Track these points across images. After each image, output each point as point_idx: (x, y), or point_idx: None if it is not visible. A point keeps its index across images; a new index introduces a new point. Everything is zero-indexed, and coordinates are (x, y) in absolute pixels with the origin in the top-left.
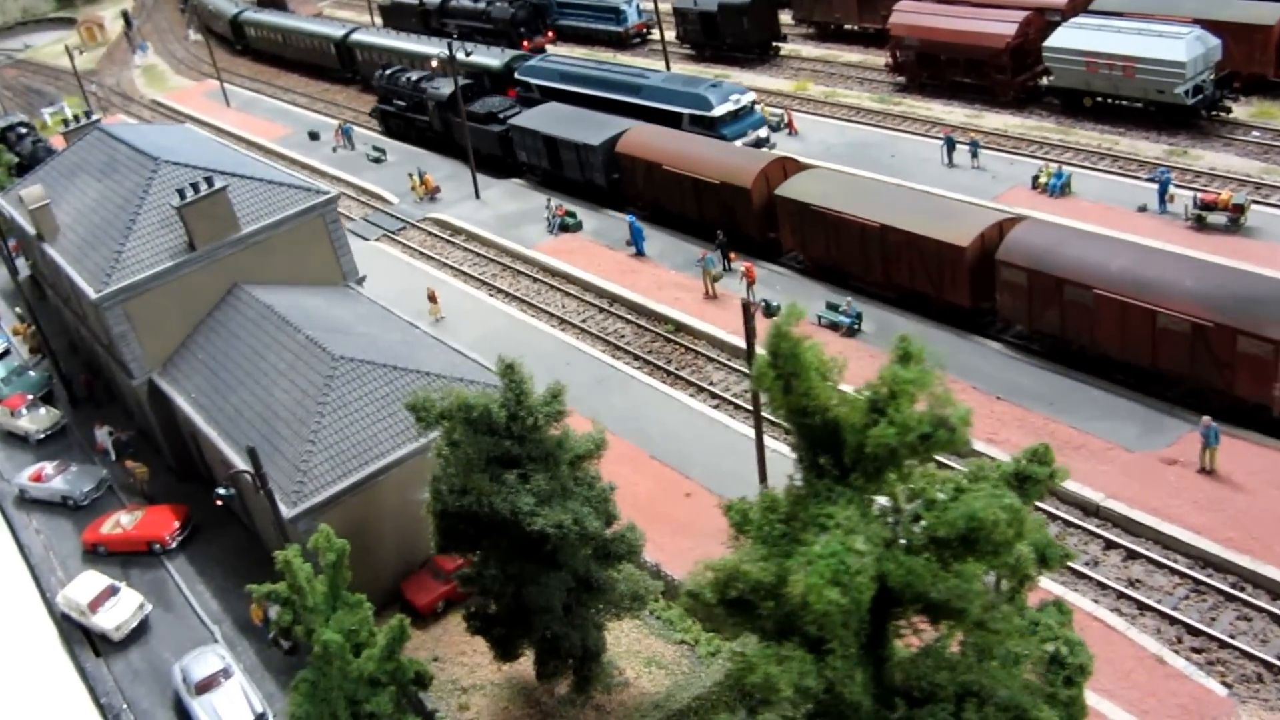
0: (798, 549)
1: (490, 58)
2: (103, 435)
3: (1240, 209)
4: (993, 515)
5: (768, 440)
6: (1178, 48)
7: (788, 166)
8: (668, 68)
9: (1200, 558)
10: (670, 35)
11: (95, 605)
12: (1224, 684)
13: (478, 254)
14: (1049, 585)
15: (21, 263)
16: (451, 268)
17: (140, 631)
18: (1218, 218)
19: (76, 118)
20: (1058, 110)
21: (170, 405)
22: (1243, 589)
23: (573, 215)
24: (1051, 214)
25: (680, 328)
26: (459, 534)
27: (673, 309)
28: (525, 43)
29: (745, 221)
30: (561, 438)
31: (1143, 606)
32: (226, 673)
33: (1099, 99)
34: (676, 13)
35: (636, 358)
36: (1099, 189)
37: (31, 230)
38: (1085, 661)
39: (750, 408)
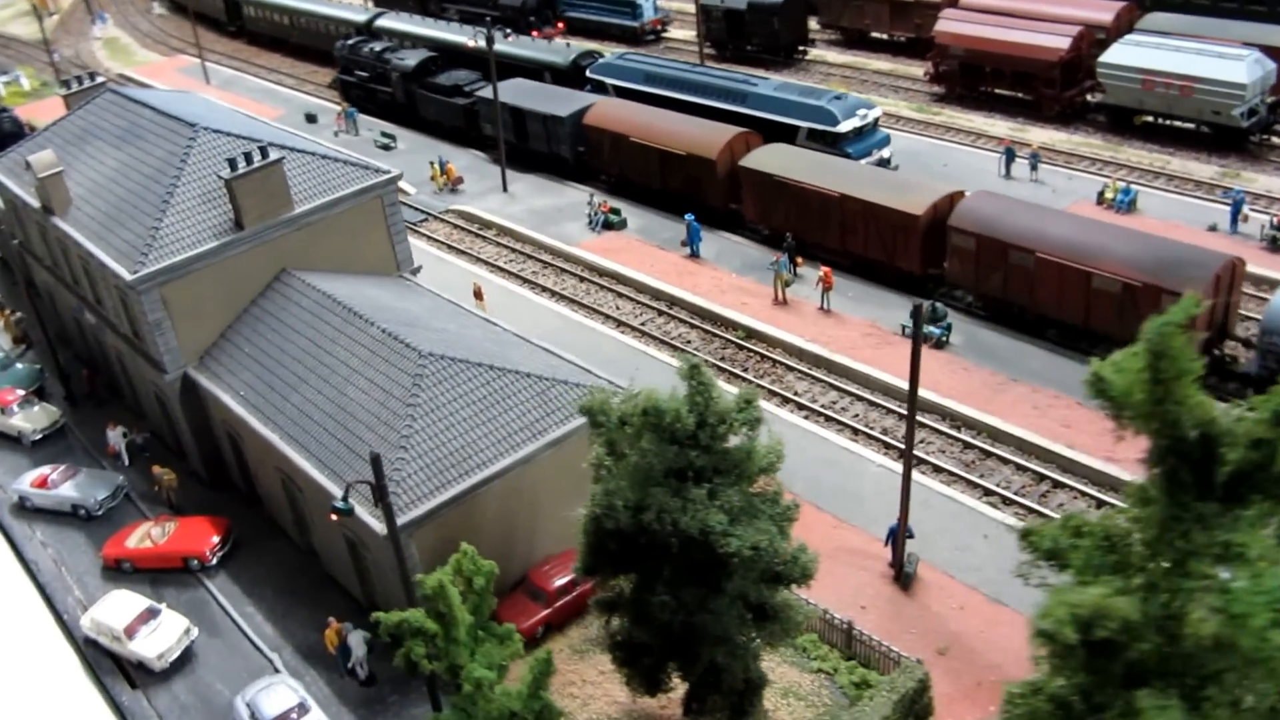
0: (1190, 584)
1: (553, 54)
2: (115, 437)
3: None
4: None
5: (863, 453)
6: (1239, 69)
7: (750, 140)
8: (701, 62)
9: None
10: (690, 34)
11: (132, 630)
12: None
13: (514, 250)
14: None
15: None
16: (487, 263)
17: (184, 660)
18: None
19: (67, 83)
20: (1104, 127)
21: (206, 404)
22: None
23: (617, 212)
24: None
25: (751, 334)
26: (608, 554)
27: (741, 314)
28: (534, 32)
29: (709, 192)
30: (750, 448)
31: None
32: (304, 708)
33: (1150, 118)
34: (701, 9)
35: (709, 364)
36: (1163, 207)
37: (35, 202)
38: None
39: (840, 419)
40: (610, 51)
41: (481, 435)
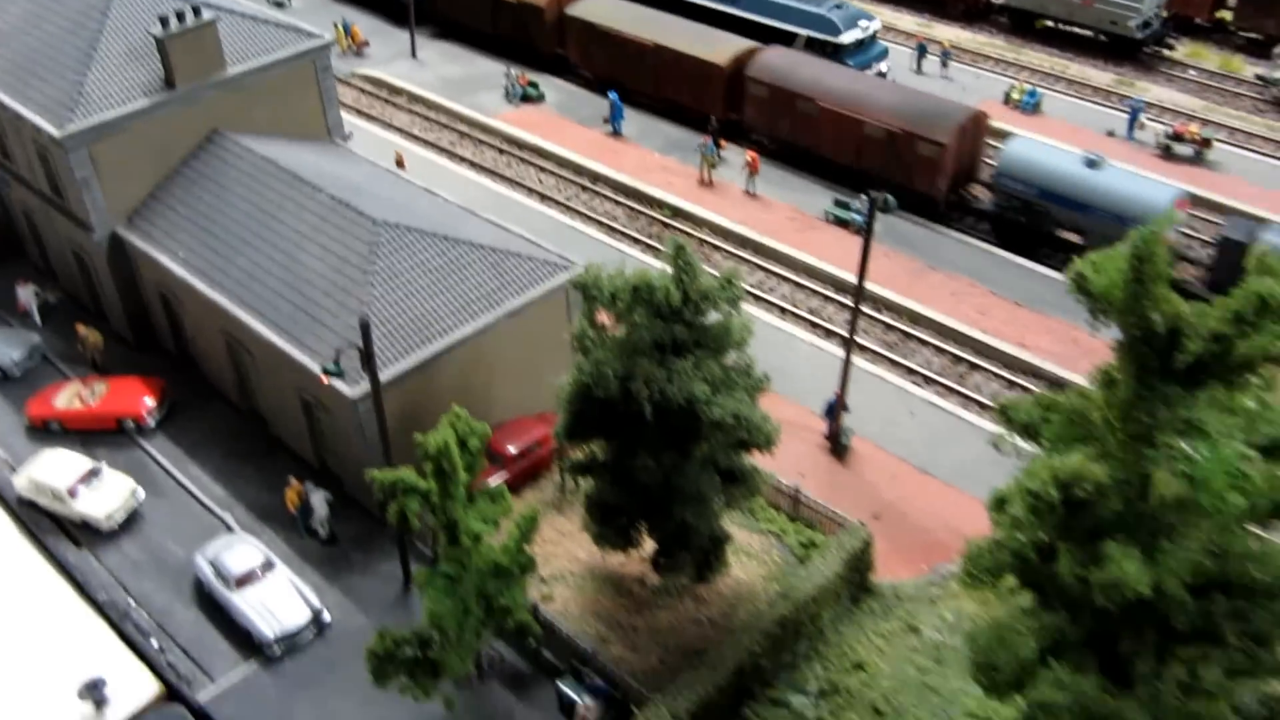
0: (1154, 452)
1: None
2: (27, 295)
3: (1207, 142)
4: None
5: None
6: None
7: None
8: None
9: None
10: None
11: (74, 490)
12: None
13: (428, 119)
14: None
15: None
16: (401, 130)
17: (131, 521)
18: (1184, 148)
19: None
20: (1006, 29)
21: (135, 265)
22: None
23: (535, 85)
24: (1025, 130)
25: (678, 212)
26: (589, 421)
27: (667, 193)
28: None
29: (537, 38)
30: (728, 324)
31: None
32: (269, 564)
33: (1050, 22)
34: None
35: (637, 241)
36: (1066, 110)
37: None
38: None
39: (769, 299)
40: None
41: (441, 304)
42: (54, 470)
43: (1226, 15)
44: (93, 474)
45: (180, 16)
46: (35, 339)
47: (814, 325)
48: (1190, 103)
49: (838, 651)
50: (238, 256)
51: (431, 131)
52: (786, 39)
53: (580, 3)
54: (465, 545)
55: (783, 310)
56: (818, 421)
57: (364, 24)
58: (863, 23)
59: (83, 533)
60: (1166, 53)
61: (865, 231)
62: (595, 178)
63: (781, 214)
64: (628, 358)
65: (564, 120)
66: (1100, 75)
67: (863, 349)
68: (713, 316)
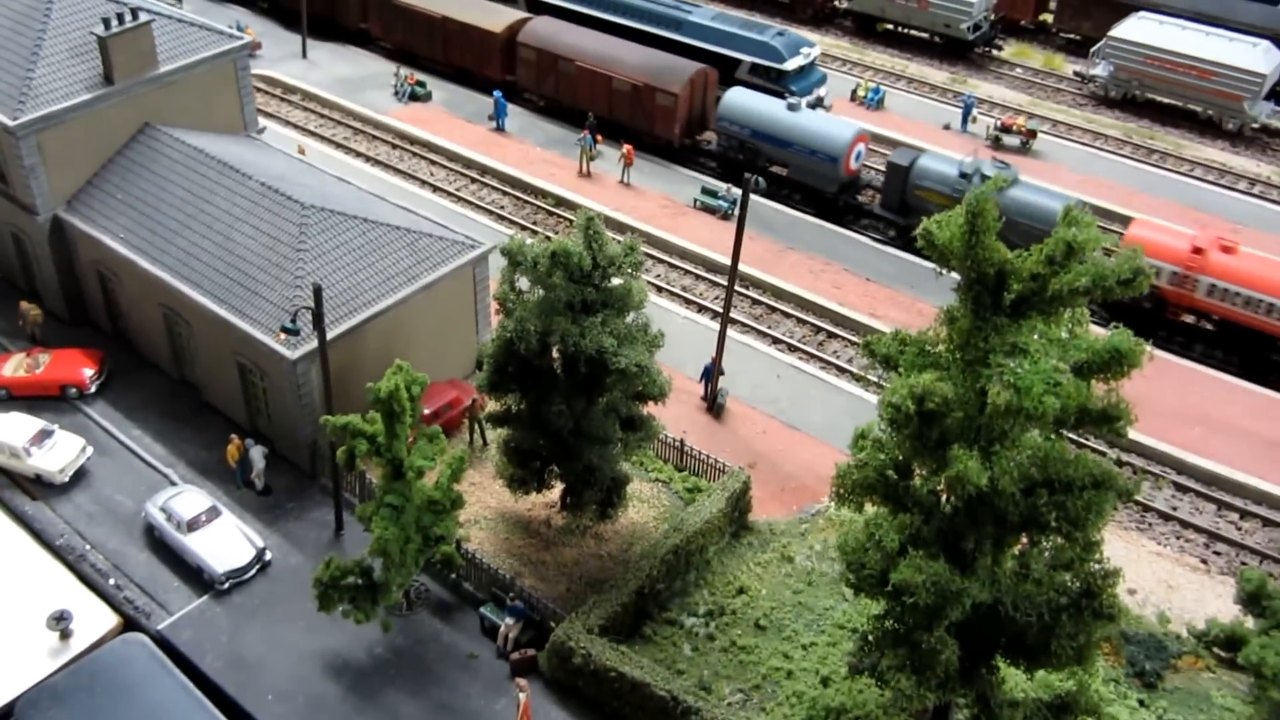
0: (988, 371)
1: None
2: None
3: (1032, 134)
4: (1128, 345)
5: (669, 306)
6: None
7: None
8: None
9: None
10: None
11: (29, 448)
12: None
13: (322, 115)
14: None
15: None
16: (296, 126)
17: (80, 476)
18: (1012, 139)
19: None
20: (851, 31)
21: (73, 245)
22: None
23: (423, 85)
24: (870, 124)
25: (560, 201)
26: (508, 375)
27: (550, 184)
28: None
29: (343, 14)
30: (629, 287)
31: None
32: (215, 510)
33: (890, 25)
34: None
35: (524, 228)
36: (906, 106)
37: None
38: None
39: (645, 278)
40: None
41: (364, 279)
42: (9, 430)
43: (1048, 18)
44: (45, 434)
45: (120, 18)
46: None
47: (687, 301)
48: (1017, 98)
49: (723, 579)
50: (176, 238)
51: (327, 128)
52: (732, 65)
53: None
54: (409, 479)
55: (659, 289)
56: (695, 386)
57: (261, 28)
58: (804, 50)
59: (37, 487)
60: (995, 53)
61: (741, 208)
62: (483, 170)
63: (654, 202)
64: (546, 316)
65: (451, 117)
66: (936, 74)
67: (733, 321)
68: (615, 282)
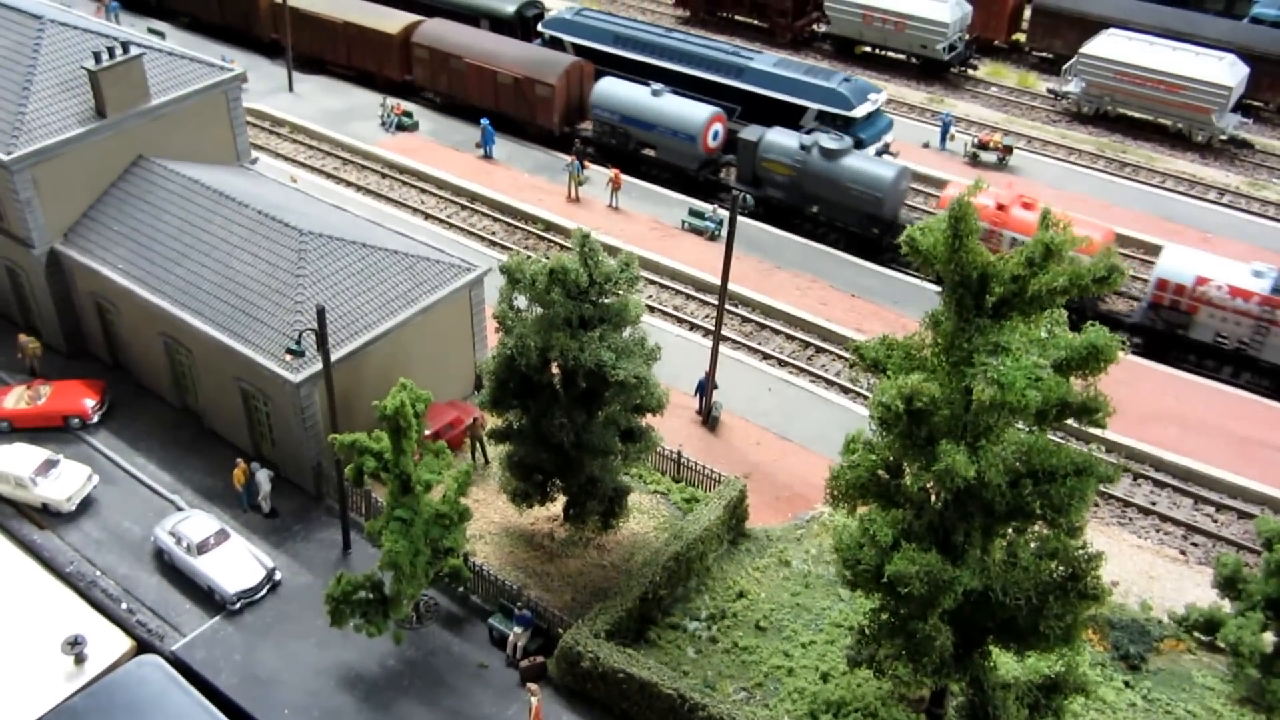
0: (973, 370)
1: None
2: None
3: (1009, 150)
4: (1104, 341)
5: (662, 325)
6: (942, 9)
7: None
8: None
9: None
10: None
11: (35, 478)
12: None
13: (312, 147)
14: None
15: None
16: (286, 158)
17: (86, 504)
18: (989, 155)
19: None
20: (829, 54)
21: (71, 278)
22: None
23: (409, 115)
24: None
25: (550, 226)
26: (509, 391)
27: (539, 209)
28: None
29: (254, 25)
30: (625, 302)
31: None
32: (224, 533)
33: (869, 48)
34: None
35: (517, 252)
36: None
37: None
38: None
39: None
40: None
41: (363, 303)
42: (15, 460)
43: (1021, 37)
44: (51, 463)
45: (111, 52)
46: None
47: (679, 320)
48: (993, 115)
49: (723, 584)
50: (175, 267)
51: (316, 159)
52: (796, 112)
53: None
54: (417, 493)
55: (651, 308)
56: (691, 401)
57: (246, 63)
58: (872, 95)
59: (44, 516)
60: (971, 72)
61: (729, 222)
62: (473, 197)
63: (643, 224)
64: (545, 332)
65: (439, 146)
66: (914, 94)
67: (725, 338)
68: (611, 300)
